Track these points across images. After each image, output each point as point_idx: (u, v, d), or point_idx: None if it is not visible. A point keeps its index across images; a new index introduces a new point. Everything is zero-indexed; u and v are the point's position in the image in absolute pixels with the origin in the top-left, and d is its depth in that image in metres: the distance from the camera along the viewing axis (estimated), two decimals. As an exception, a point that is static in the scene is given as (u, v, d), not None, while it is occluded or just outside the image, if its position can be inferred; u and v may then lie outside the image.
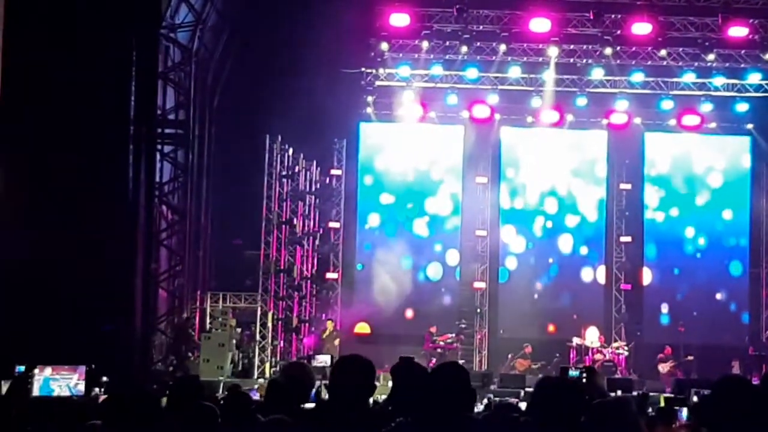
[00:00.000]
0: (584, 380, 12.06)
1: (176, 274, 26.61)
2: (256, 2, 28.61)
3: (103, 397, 13.35)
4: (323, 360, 23.39)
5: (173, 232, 26.62)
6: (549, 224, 30.97)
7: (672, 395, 21.04)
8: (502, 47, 28.59)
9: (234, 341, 25.58)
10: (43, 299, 20.90)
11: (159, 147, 26.17)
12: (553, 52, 28.35)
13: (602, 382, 9.93)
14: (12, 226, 21.49)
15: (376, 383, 6.27)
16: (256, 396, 11.41)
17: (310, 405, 7.73)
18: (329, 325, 27.76)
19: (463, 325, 30.06)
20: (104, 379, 17.19)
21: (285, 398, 6.52)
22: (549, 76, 29.35)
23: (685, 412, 9.17)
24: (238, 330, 26.13)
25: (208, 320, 26.22)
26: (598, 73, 29.22)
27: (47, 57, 22.44)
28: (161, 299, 26.42)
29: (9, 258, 21.21)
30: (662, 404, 13.30)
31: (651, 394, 21.28)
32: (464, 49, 28.38)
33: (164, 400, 7.24)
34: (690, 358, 27.65)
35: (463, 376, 6.12)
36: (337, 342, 27.26)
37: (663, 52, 28.04)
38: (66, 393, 14.77)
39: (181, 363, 25.06)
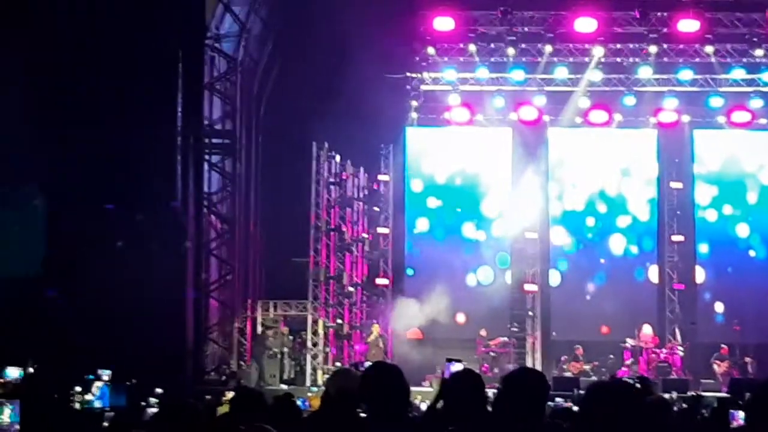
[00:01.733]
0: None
1: (227, 284, 26.70)
2: (299, 10, 28.65)
3: (152, 410, 13.37)
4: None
5: (223, 241, 26.73)
6: (599, 225, 30.72)
7: (727, 395, 20.84)
8: (548, 48, 28.49)
9: (286, 349, 25.64)
10: (94, 311, 21.07)
11: (207, 157, 26.33)
12: (598, 51, 28.17)
13: (656, 392, 9.79)
14: (62, 239, 21.72)
15: (416, 387, 6.24)
16: (306, 406, 11.37)
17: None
18: (375, 329, 27.70)
19: (515, 329, 29.88)
20: (158, 390, 17.24)
21: (336, 408, 6.48)
22: (595, 75, 29.12)
23: (741, 414, 9.00)
24: (290, 338, 26.18)
25: (259, 328, 26.29)
26: (645, 72, 28.95)
27: (94, 72, 22.68)
28: (212, 309, 26.53)
29: (59, 268, 21.45)
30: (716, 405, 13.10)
31: (706, 394, 21.08)
32: (511, 51, 28.30)
33: (219, 409, 7.23)
34: (748, 359, 27.30)
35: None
36: (382, 345, 27.18)
37: (709, 49, 27.72)
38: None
39: (233, 373, 25.15)
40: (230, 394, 16.19)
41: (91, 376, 14.71)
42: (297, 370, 25.84)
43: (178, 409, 6.53)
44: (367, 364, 24.36)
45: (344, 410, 6.50)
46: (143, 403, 16.12)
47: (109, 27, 22.99)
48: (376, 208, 30.06)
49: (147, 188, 22.84)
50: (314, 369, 25.82)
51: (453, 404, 6.21)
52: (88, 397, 13.63)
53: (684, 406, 14.47)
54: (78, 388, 13.71)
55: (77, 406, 13.85)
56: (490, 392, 19.84)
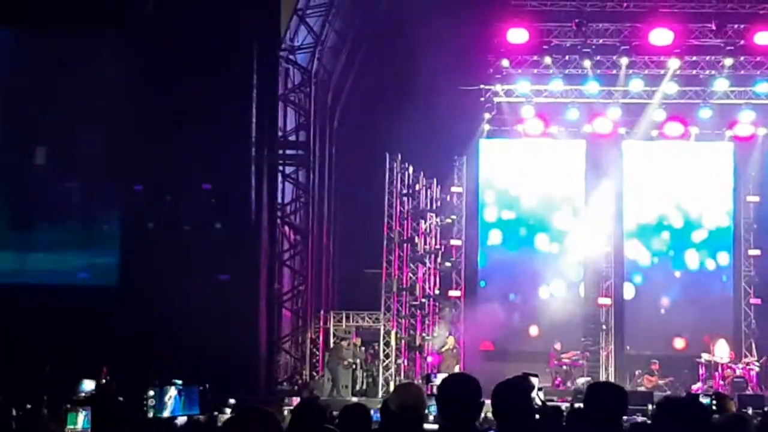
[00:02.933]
0: (714, 407, 11.77)
1: (299, 294, 26.86)
2: (373, 22, 28.81)
3: (225, 417, 13.48)
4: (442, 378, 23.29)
5: (296, 252, 26.91)
6: (674, 238, 30.42)
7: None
8: (623, 60, 28.30)
9: (358, 360, 25.72)
10: (170, 321, 21.34)
11: (280, 168, 26.53)
12: (674, 63, 27.94)
13: (731, 407, 9.65)
14: (140, 248, 22.04)
15: (487, 400, 6.21)
16: (377, 416, 11.32)
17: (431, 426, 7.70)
18: (450, 341, 27.67)
19: (588, 342, 29.68)
20: (231, 401, 17.39)
21: (397, 422, 6.47)
22: (671, 88, 28.87)
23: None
24: (362, 349, 26.26)
25: (332, 339, 26.40)
26: (721, 84, 28.65)
27: (173, 82, 23.02)
28: (285, 319, 26.71)
29: (135, 278, 21.76)
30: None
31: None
32: (587, 63, 28.18)
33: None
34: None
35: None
36: (456, 356, 27.15)
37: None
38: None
39: (306, 383, 25.28)
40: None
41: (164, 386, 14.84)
42: (369, 382, 25.89)
43: (250, 414, 6.60)
44: (440, 375, 24.40)
45: (405, 424, 6.51)
46: (216, 412, 16.26)
47: (186, 39, 23.32)
48: (449, 220, 30.05)
49: (223, 200, 23.09)
50: (386, 380, 25.85)
51: (445, 410, 6.21)
52: (160, 404, 13.75)
53: (757, 420, 14.26)
54: (151, 393, 13.85)
55: (150, 413, 13.99)
56: (563, 405, 19.73)
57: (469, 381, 6.12)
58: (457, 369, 26.67)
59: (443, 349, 27.52)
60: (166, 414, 13.68)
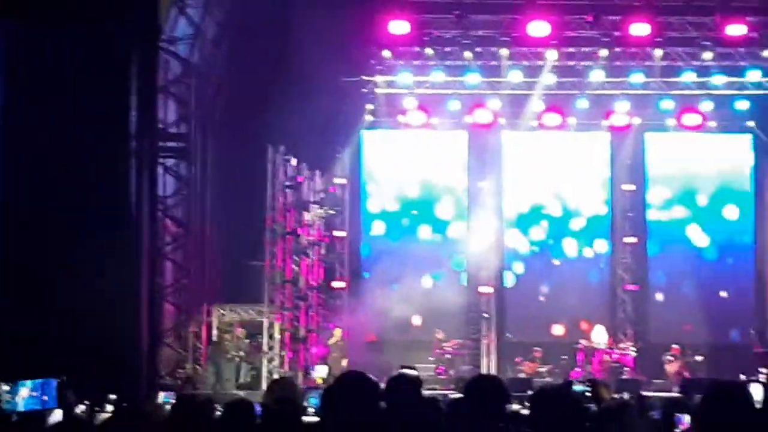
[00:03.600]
0: (589, 394, 12.09)
1: (182, 288, 26.66)
2: (255, 14, 28.63)
3: (105, 415, 13.30)
4: (321, 371, 23.40)
5: (178, 245, 26.67)
6: (553, 227, 31.00)
7: (678, 394, 21.11)
8: (504, 52, 28.67)
9: (242, 353, 25.64)
10: (47, 315, 20.96)
11: (161, 161, 26.23)
12: (552, 55, 28.41)
13: (607, 395, 9.93)
14: (14, 243, 21.59)
15: None
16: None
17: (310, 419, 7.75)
18: (337, 332, 27.78)
19: (470, 330, 30.10)
20: (112, 396, 17.17)
21: (277, 418, 6.51)
22: (549, 79, 29.36)
23: (687, 418, 9.15)
24: (246, 341, 26.17)
25: (214, 332, 26.26)
26: (597, 75, 29.23)
27: (47, 74, 22.55)
28: (168, 313, 26.47)
29: (11, 275, 21.31)
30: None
31: (652, 395, 21.33)
32: (468, 54, 28.47)
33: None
34: (699, 358, 27.62)
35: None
36: (344, 350, 27.30)
37: (659, 53, 28.04)
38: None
39: (189, 377, 25.10)
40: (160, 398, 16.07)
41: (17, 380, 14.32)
42: (253, 375, 25.83)
43: (131, 414, 6.59)
44: (319, 367, 24.51)
45: (284, 418, 6.56)
46: (97, 408, 16.06)
47: (62, 30, 22.86)
48: (332, 211, 30.13)
49: (101, 192, 22.72)
50: (270, 373, 25.83)
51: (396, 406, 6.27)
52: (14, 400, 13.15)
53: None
54: (5, 388, 13.30)
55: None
56: (446, 393, 19.90)
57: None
58: (344, 362, 26.79)
59: (330, 342, 27.60)
60: (19, 410, 13.11)
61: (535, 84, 29.74)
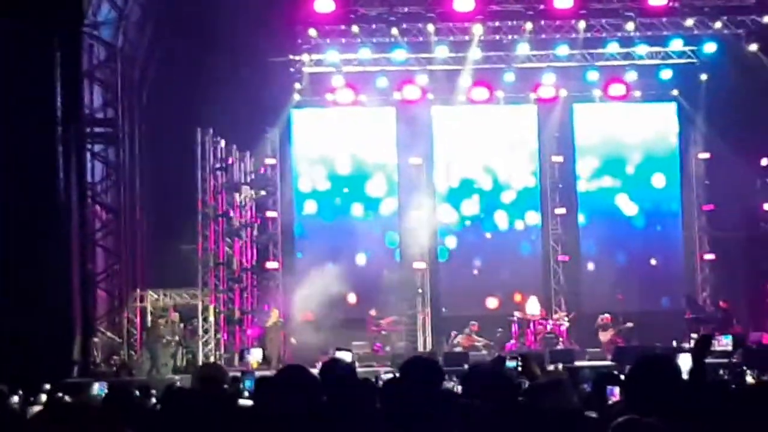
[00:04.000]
0: (520, 368, 12.23)
1: (114, 274, 26.46)
2: (179, -5, 28.42)
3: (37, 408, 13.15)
4: (257, 354, 23.33)
5: (108, 231, 26.48)
6: (484, 200, 31.20)
7: (609, 364, 21.40)
8: (429, 27, 28.70)
9: (177, 337, 25.53)
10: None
11: (89, 146, 26.00)
12: (477, 30, 28.50)
13: (535, 369, 10.04)
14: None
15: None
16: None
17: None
18: (274, 314, 27.69)
19: (405, 306, 30.23)
20: (46, 386, 17.01)
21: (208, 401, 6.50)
22: (476, 54, 29.48)
23: (617, 390, 9.27)
24: (181, 326, 26.06)
25: (149, 318, 26.10)
26: (523, 48, 29.38)
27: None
28: (100, 299, 26.28)
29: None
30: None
31: (584, 364, 21.62)
32: (394, 31, 28.47)
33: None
34: (629, 324, 28.02)
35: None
36: (281, 331, 27.27)
37: (582, 25, 28.26)
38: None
39: (124, 364, 24.95)
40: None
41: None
42: (189, 358, 25.73)
43: (61, 407, 6.52)
44: (254, 351, 24.43)
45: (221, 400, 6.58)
46: (31, 398, 15.91)
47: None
48: (263, 192, 30.06)
49: (29, 180, 22.47)
50: (206, 356, 25.77)
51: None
52: None
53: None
54: None
55: None
56: (382, 371, 19.96)
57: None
58: (292, 340, 26.70)
59: (267, 324, 27.49)
60: None
61: (463, 59, 29.83)
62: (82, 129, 25.43)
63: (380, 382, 12.98)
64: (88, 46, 26.45)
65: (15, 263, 21.73)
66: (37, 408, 13.02)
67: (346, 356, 23.37)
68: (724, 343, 22.76)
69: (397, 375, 6.68)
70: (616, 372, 13.09)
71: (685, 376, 6.18)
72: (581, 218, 31.41)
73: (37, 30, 23.20)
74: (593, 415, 7.37)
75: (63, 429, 5.77)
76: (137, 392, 11.70)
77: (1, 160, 21.89)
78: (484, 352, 27.01)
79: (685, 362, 6.38)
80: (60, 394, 15.82)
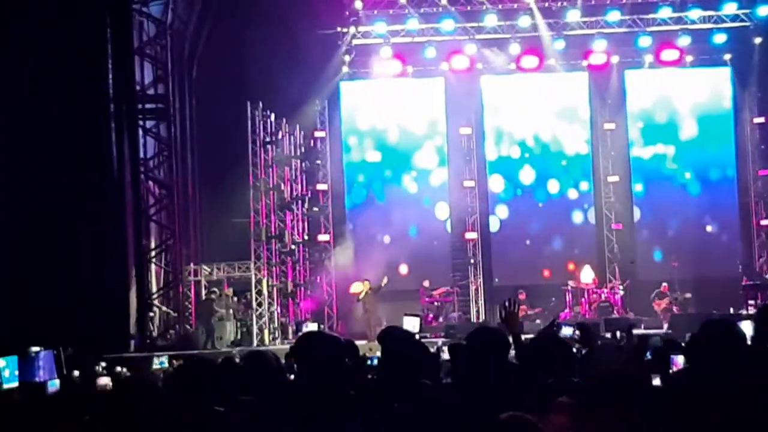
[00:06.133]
0: (577, 336, 12.15)
1: (168, 249, 26.64)
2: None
3: (103, 379, 13.30)
4: (312, 328, 23.38)
5: (162, 207, 26.60)
6: (536, 169, 31.00)
7: (669, 334, 21.19)
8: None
9: (231, 311, 25.67)
10: (35, 281, 20.97)
11: (141, 123, 26.13)
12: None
13: (595, 338, 9.99)
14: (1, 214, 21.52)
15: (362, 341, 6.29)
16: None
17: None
18: (365, 285, 27.35)
19: (457, 277, 30.20)
20: (102, 364, 17.16)
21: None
22: (525, 21, 29.26)
23: (680, 359, 9.19)
24: (234, 299, 26.20)
25: (203, 292, 26.27)
26: (573, 15, 29.17)
27: (23, 42, 22.38)
28: (155, 274, 26.48)
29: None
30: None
31: (642, 332, 21.43)
32: (443, 1, 28.32)
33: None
34: (687, 295, 27.79)
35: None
36: (372, 302, 26.94)
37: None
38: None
39: (184, 336, 25.15)
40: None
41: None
42: (243, 331, 25.88)
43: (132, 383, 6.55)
44: (311, 325, 24.45)
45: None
46: (92, 373, 16.07)
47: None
48: (318, 161, 30.15)
49: (82, 158, 22.64)
50: (260, 329, 25.89)
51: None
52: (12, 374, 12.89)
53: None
54: (2, 363, 13.02)
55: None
56: (440, 341, 19.96)
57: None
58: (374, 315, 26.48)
59: (361, 297, 27.27)
60: (14, 384, 12.85)
61: (511, 27, 29.63)
62: (134, 106, 25.57)
63: (442, 354, 12.97)
64: (137, 23, 26.54)
65: (71, 240, 21.93)
66: (103, 380, 13.14)
67: (413, 321, 23.43)
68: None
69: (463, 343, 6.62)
70: (676, 339, 13.01)
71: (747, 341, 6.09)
72: (635, 186, 31.09)
73: (87, 8, 23.35)
74: (656, 382, 7.30)
75: None
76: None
77: (56, 138, 22.05)
78: (539, 321, 26.87)
79: (746, 329, 6.29)
80: (119, 368, 16.00)
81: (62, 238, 21.81)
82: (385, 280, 26.70)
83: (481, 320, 28.91)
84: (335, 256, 29.76)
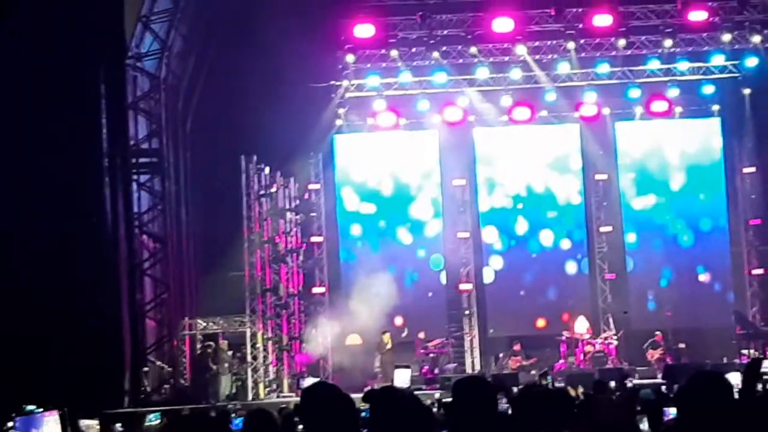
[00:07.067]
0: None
1: (162, 303, 26.64)
2: (220, 24, 28.68)
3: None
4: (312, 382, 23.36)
5: (156, 260, 26.67)
6: (529, 220, 31.13)
7: (663, 384, 21.22)
8: (472, 49, 28.83)
9: (226, 365, 25.65)
10: (28, 338, 20.94)
11: (135, 177, 26.25)
12: (521, 50, 28.56)
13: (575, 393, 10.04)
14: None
15: (357, 395, 6.27)
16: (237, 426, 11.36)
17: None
18: (386, 338, 27.57)
19: (453, 328, 30.23)
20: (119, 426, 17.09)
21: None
22: (516, 74, 29.53)
23: (672, 411, 9.25)
24: (230, 353, 26.19)
25: (198, 346, 26.25)
26: (564, 68, 29.44)
27: (17, 97, 22.53)
28: (149, 329, 26.46)
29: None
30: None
31: (642, 382, 21.46)
32: (435, 54, 28.64)
33: None
34: (681, 345, 27.84)
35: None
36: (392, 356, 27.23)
37: (622, 42, 28.24)
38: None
39: (179, 391, 25.10)
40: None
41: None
42: (239, 386, 25.84)
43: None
44: (310, 380, 24.35)
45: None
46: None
47: (26, 49, 22.82)
48: (312, 214, 30.27)
49: (77, 213, 22.71)
50: (255, 383, 25.87)
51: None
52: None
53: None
54: (9, 424, 12.90)
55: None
56: (437, 394, 19.94)
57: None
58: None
59: (386, 349, 27.51)
60: None
61: (503, 80, 29.90)
62: (128, 160, 25.70)
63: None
64: (131, 78, 26.74)
65: (64, 294, 21.93)
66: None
67: (405, 374, 23.37)
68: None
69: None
70: (665, 390, 13.07)
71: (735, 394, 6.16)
72: (627, 236, 31.23)
73: (82, 64, 23.52)
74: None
75: None
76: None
77: (50, 192, 22.13)
78: (533, 372, 26.88)
79: (734, 380, 6.37)
80: (116, 425, 15.98)
81: (55, 292, 21.80)
82: (405, 332, 26.96)
83: (476, 371, 28.91)
84: (330, 309, 29.78)
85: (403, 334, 26.95)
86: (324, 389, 6.06)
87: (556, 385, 21.20)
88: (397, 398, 6.38)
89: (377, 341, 28.09)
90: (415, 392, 22.27)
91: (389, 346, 27.52)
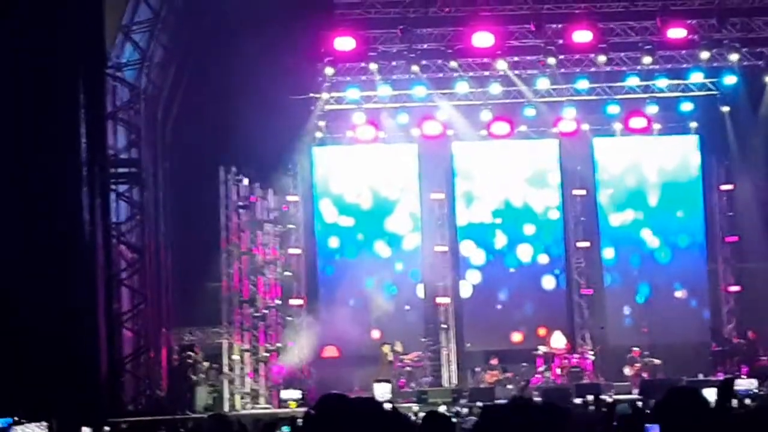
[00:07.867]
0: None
1: (140, 313, 26.54)
2: (200, 36, 28.65)
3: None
4: (294, 394, 23.35)
5: (134, 271, 26.56)
6: (507, 235, 31.20)
7: (639, 399, 21.28)
8: (449, 64, 28.90)
9: (202, 376, 25.58)
10: (3, 348, 20.82)
11: (113, 187, 26.15)
12: (501, 65, 28.63)
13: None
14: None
15: None
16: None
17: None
18: (385, 349, 27.60)
19: (430, 342, 30.24)
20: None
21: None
22: (496, 88, 29.62)
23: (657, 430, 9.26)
24: (206, 364, 26.11)
25: (174, 357, 26.16)
26: (543, 83, 29.55)
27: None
28: (126, 339, 26.35)
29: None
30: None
31: (620, 397, 21.52)
32: (415, 68, 28.67)
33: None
34: (657, 362, 27.94)
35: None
36: (391, 367, 27.28)
37: (602, 59, 28.37)
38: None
39: (156, 401, 24.99)
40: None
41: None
42: (215, 397, 25.78)
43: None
44: (290, 392, 24.27)
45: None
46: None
47: (7, 61, 22.75)
48: (291, 226, 30.23)
49: (54, 222, 22.61)
50: (232, 394, 25.80)
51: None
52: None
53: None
54: None
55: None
56: (415, 407, 19.93)
57: None
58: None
59: (387, 360, 27.55)
60: None
61: (483, 94, 29.98)
62: (107, 170, 25.60)
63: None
64: (111, 88, 26.66)
65: (40, 305, 21.81)
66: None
67: (385, 387, 23.27)
68: (747, 381, 22.80)
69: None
70: (644, 408, 13.09)
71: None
72: (604, 251, 31.33)
73: (61, 72, 23.45)
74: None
75: None
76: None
77: (27, 202, 22.03)
78: (510, 386, 26.93)
79: (711, 396, 6.41)
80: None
81: (31, 303, 21.69)
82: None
83: (453, 384, 28.93)
84: (307, 321, 29.74)
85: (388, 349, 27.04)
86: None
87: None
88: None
89: (377, 354, 28.13)
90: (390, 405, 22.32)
91: (390, 358, 27.57)
